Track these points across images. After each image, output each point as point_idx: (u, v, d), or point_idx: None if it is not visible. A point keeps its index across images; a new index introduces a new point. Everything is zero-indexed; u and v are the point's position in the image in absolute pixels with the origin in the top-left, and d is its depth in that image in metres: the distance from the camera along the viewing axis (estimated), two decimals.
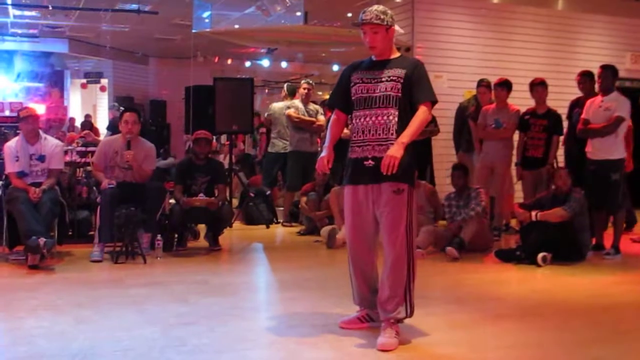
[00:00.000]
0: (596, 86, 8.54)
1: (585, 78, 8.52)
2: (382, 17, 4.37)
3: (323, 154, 4.51)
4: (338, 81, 4.69)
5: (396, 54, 4.53)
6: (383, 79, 4.38)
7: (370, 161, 4.36)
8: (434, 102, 4.43)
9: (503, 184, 9.01)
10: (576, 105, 8.55)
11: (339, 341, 4.34)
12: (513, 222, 9.20)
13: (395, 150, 4.18)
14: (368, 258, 4.57)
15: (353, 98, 4.48)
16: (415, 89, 4.38)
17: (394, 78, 4.37)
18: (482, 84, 9.56)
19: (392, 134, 4.31)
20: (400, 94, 4.34)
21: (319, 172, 4.43)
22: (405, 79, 4.37)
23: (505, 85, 8.98)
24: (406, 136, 4.23)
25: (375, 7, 4.42)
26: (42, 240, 6.43)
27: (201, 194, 7.86)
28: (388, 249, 4.37)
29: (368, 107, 4.39)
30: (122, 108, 12.05)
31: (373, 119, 4.37)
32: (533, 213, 7.39)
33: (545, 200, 7.67)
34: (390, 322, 4.33)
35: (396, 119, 4.33)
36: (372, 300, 4.59)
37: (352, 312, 4.75)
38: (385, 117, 4.34)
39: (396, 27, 4.64)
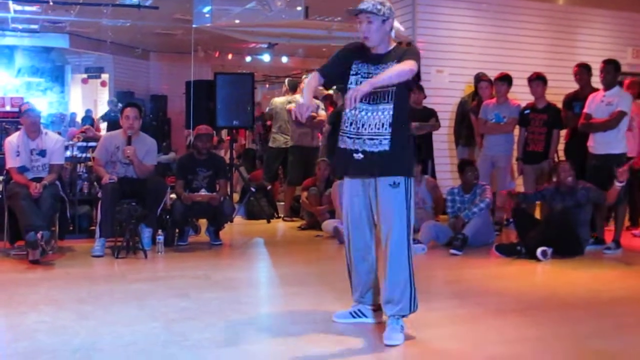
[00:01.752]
0: (594, 80, 8.57)
1: (582, 70, 8.53)
2: (379, 7, 4.29)
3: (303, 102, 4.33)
4: (337, 54, 4.60)
5: (392, 46, 4.45)
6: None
7: (360, 154, 4.35)
8: (416, 61, 4.18)
9: (504, 178, 9.01)
10: (574, 99, 8.54)
11: (340, 336, 4.34)
12: None
13: (362, 85, 4.12)
14: (369, 247, 4.55)
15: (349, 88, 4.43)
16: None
17: None
18: (483, 78, 9.55)
19: (385, 129, 4.29)
20: (395, 88, 4.27)
21: (296, 117, 4.32)
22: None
23: (505, 80, 8.98)
24: (379, 77, 4.13)
25: None
26: (39, 234, 6.44)
27: (203, 190, 7.86)
28: (387, 244, 4.35)
29: (370, 102, 4.34)
30: (120, 104, 12.07)
31: (369, 114, 4.34)
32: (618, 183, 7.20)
33: (547, 191, 7.68)
34: (396, 318, 4.32)
35: (391, 112, 4.30)
36: (374, 292, 4.59)
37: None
38: (379, 113, 4.32)
39: (397, 25, 4.58)
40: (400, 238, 4.31)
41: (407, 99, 4.42)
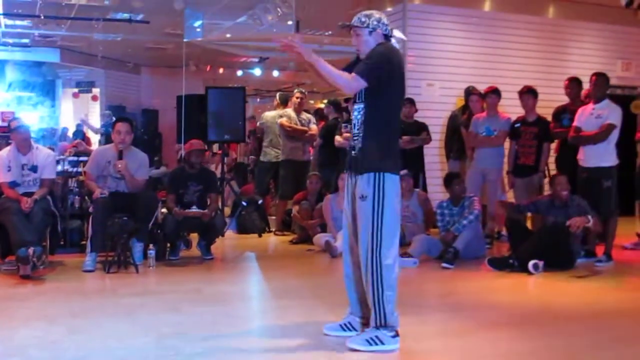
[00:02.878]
0: (582, 93, 8.62)
1: (573, 84, 8.61)
2: (363, 19, 4.46)
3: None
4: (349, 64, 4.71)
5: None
6: None
7: (352, 151, 4.49)
8: (362, 76, 4.33)
9: (495, 191, 9.03)
10: (563, 112, 8.58)
11: (332, 350, 4.33)
12: (505, 230, 9.22)
13: (306, 48, 4.31)
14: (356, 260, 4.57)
15: None
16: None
17: None
18: (474, 92, 9.59)
19: (359, 128, 4.42)
20: (364, 88, 4.39)
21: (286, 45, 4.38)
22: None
23: (495, 93, 9.03)
24: (323, 63, 4.32)
25: (365, 12, 4.48)
26: (31, 250, 6.43)
27: (194, 206, 7.85)
28: (361, 255, 4.39)
29: (354, 102, 4.53)
30: (114, 117, 12.06)
31: (354, 113, 4.50)
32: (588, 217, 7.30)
33: (541, 204, 7.69)
34: (370, 327, 4.35)
35: (363, 112, 4.41)
36: (362, 305, 4.61)
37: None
38: (357, 112, 4.46)
39: (398, 34, 4.66)
40: (364, 250, 4.34)
41: (383, 98, 4.40)
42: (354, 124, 4.47)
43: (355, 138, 4.45)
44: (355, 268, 4.57)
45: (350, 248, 4.59)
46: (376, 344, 4.28)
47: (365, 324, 4.58)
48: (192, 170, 8.12)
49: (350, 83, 4.35)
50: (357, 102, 4.46)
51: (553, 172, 8.56)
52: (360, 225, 4.38)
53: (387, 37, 4.55)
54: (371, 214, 4.31)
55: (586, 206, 7.42)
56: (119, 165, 7.34)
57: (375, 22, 4.48)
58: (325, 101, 9.84)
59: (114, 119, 10.27)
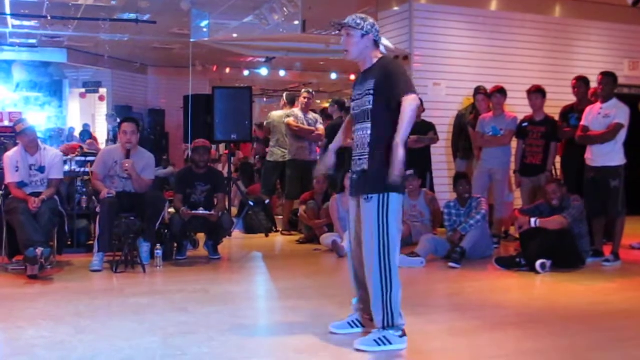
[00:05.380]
0: (589, 92, 8.60)
1: (580, 83, 8.59)
2: (358, 21, 4.40)
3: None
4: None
5: (374, 61, 4.49)
6: (364, 94, 4.40)
7: (354, 175, 4.46)
8: (413, 92, 4.26)
9: (502, 191, 9.02)
10: (570, 111, 8.57)
11: (339, 350, 4.33)
12: (512, 230, 9.21)
13: (395, 155, 4.11)
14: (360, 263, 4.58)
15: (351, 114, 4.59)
16: (391, 88, 4.30)
17: (368, 91, 4.38)
18: (481, 91, 9.58)
19: (365, 149, 4.36)
20: (371, 106, 4.35)
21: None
22: (376, 88, 4.35)
23: (500, 92, 9.01)
24: (397, 134, 4.14)
25: (360, 14, 4.43)
26: (39, 250, 6.45)
27: (201, 208, 7.85)
28: (365, 258, 4.38)
29: (357, 122, 4.46)
30: (118, 119, 12.07)
31: (357, 133, 4.44)
32: (532, 220, 7.38)
33: (544, 207, 7.67)
34: (377, 328, 4.35)
35: (369, 132, 4.36)
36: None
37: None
38: (361, 132, 4.40)
39: (385, 42, 4.61)
40: (368, 252, 4.34)
41: (388, 116, 4.31)
42: (357, 144, 4.42)
43: (360, 158, 4.40)
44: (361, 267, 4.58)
45: (359, 261, 4.56)
46: (384, 344, 4.28)
47: (372, 319, 4.60)
48: (199, 170, 8.13)
49: (414, 104, 4.21)
50: (362, 122, 4.39)
51: (550, 180, 8.51)
52: (364, 227, 4.37)
53: (377, 43, 4.50)
54: (376, 216, 4.30)
55: (574, 207, 7.41)
56: (126, 165, 7.36)
57: (369, 27, 4.44)
58: (330, 100, 9.83)
59: (118, 120, 10.28)
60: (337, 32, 4.45)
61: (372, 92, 4.35)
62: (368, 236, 4.34)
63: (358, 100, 4.45)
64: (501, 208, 9.11)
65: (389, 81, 4.31)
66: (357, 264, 4.59)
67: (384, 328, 4.32)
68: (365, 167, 4.36)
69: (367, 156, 4.35)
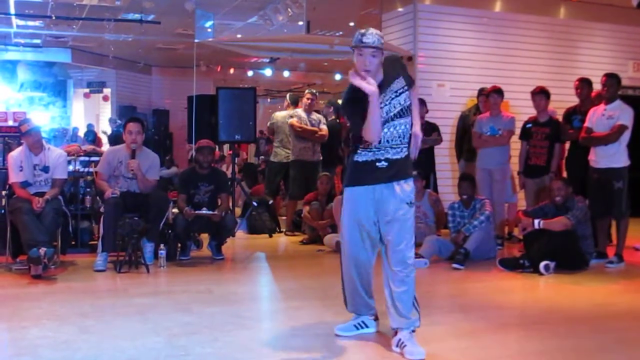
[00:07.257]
0: (593, 94, 8.58)
1: (583, 84, 8.58)
2: (382, 41, 4.38)
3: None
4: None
5: (380, 70, 4.46)
6: (399, 92, 4.41)
7: (384, 162, 4.42)
8: (414, 85, 4.62)
9: (502, 191, 9.01)
10: (573, 113, 8.57)
11: (342, 350, 4.34)
12: (516, 231, 9.21)
13: (419, 141, 4.56)
14: (370, 261, 4.61)
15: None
16: (410, 78, 4.58)
17: (403, 89, 4.43)
18: (484, 92, 9.57)
19: (405, 139, 4.48)
20: (409, 101, 4.48)
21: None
22: (407, 84, 4.48)
23: (497, 93, 8.99)
24: (416, 124, 4.56)
25: (373, 30, 4.36)
26: (42, 250, 6.46)
27: (204, 208, 7.86)
28: (396, 258, 4.38)
29: (394, 119, 4.42)
30: (118, 121, 12.09)
31: (391, 129, 4.40)
32: (536, 221, 7.38)
33: (548, 208, 7.66)
34: (411, 331, 4.36)
35: (408, 125, 4.49)
36: (370, 304, 4.68)
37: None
38: (404, 126, 4.44)
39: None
40: (406, 255, 4.38)
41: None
42: (393, 137, 4.41)
43: (394, 148, 4.41)
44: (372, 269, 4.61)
45: (372, 252, 4.60)
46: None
47: (376, 319, 4.72)
48: (203, 171, 8.14)
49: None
50: (401, 117, 4.41)
51: (556, 177, 8.51)
52: (401, 230, 4.37)
53: None
54: (412, 216, 4.42)
55: (578, 208, 7.41)
56: (132, 165, 7.36)
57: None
58: (327, 101, 9.85)
59: (118, 122, 10.29)
60: (354, 48, 4.38)
61: (406, 88, 4.43)
62: (407, 238, 4.38)
63: (394, 99, 4.40)
64: (502, 208, 9.10)
65: (406, 72, 4.54)
66: (363, 270, 4.61)
67: (414, 330, 4.38)
68: (403, 155, 4.43)
69: (406, 145, 4.45)
